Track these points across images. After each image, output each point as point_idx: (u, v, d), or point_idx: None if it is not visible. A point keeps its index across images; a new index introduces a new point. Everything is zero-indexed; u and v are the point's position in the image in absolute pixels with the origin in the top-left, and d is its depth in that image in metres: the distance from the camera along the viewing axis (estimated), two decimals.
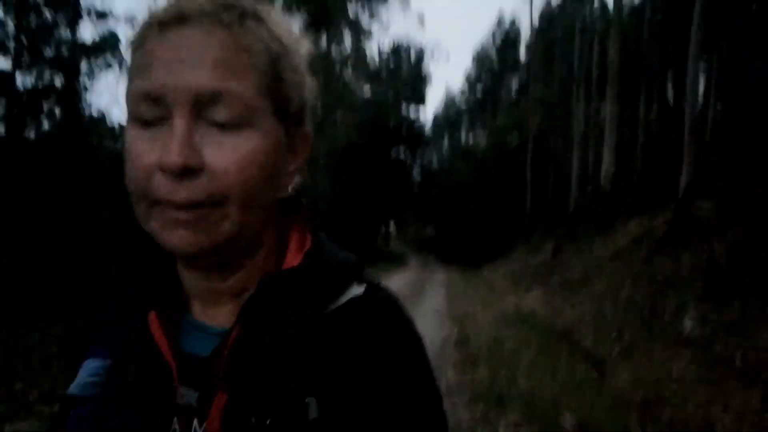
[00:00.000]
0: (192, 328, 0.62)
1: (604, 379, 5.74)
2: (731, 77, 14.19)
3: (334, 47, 23.45)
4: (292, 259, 0.61)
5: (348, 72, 25.87)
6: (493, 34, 46.62)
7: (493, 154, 32.24)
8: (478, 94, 48.09)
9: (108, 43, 15.71)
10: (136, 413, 0.57)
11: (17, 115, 13.95)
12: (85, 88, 15.55)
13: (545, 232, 20.18)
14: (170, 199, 0.52)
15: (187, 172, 0.51)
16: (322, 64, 21.64)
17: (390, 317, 0.62)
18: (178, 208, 0.52)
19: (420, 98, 39.69)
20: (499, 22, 47.42)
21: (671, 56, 18.35)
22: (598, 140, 19.03)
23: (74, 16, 14.50)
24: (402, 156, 38.19)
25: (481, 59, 48.35)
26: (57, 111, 15.61)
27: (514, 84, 43.80)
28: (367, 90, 29.96)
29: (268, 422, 0.54)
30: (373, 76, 29.05)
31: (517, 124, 31.48)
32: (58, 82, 15.14)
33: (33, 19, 13.18)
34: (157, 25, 0.54)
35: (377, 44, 39.04)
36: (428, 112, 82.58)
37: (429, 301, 12.73)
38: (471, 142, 48.82)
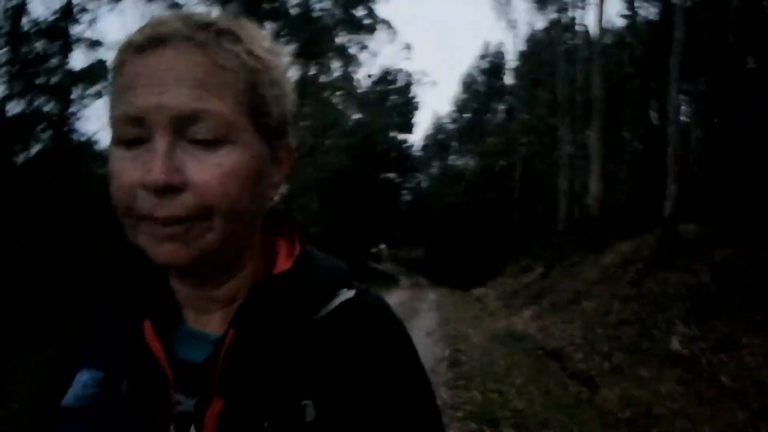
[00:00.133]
0: (187, 335, 0.62)
1: (594, 397, 5.86)
2: (712, 103, 14.61)
3: (323, 74, 23.76)
4: (283, 264, 0.63)
5: (337, 98, 26.18)
6: (480, 60, 47.46)
7: (482, 177, 32.55)
8: (466, 118, 48.70)
9: (97, 72, 15.89)
10: (132, 422, 0.58)
11: (5, 141, 14.01)
12: (75, 115, 15.68)
13: (535, 254, 20.37)
14: (154, 216, 0.53)
15: (169, 189, 0.52)
16: (312, 90, 21.92)
17: (382, 320, 0.64)
18: (164, 224, 0.53)
19: (408, 127, 40.15)
20: (487, 47, 48.27)
21: (654, 83, 18.82)
22: (585, 163, 19.39)
23: (66, 46, 14.67)
24: (392, 179, 38.45)
25: (468, 84, 49.07)
26: (45, 136, 15.72)
27: (501, 108, 44.46)
28: (356, 115, 30.27)
29: (265, 426, 0.54)
30: (362, 101, 29.42)
31: (506, 148, 31.89)
32: (49, 108, 15.26)
33: (25, 49, 13.34)
34: (135, 49, 0.55)
35: (366, 71, 39.56)
36: (417, 135, 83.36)
37: (421, 321, 12.79)
38: (460, 164, 49.30)
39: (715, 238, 7.73)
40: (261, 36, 0.60)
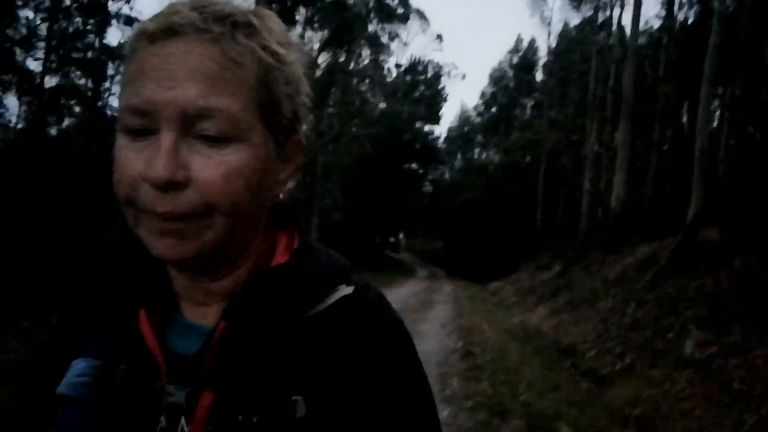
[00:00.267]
0: (182, 327, 0.62)
1: (603, 394, 5.93)
2: (745, 110, 14.38)
3: (352, 61, 23.82)
4: (279, 258, 0.62)
5: (365, 86, 26.24)
6: (511, 55, 47.07)
7: (506, 172, 32.44)
8: (493, 112, 48.39)
9: None
10: (125, 412, 0.58)
11: (40, 113, 14.41)
12: (109, 91, 16.05)
13: (554, 251, 20.32)
14: (155, 210, 0.52)
15: (171, 186, 0.51)
16: (340, 77, 22.02)
17: (380, 317, 0.62)
18: (165, 219, 0.53)
19: (434, 118, 40.04)
20: (518, 42, 47.82)
21: (687, 87, 18.54)
22: (611, 163, 19.23)
23: (103, 22, 14.99)
24: (414, 169, 38.51)
25: (497, 78, 48.72)
26: (78, 110, 16.13)
27: (529, 104, 44.12)
28: (383, 104, 30.31)
29: (255, 420, 0.54)
30: (390, 91, 29.43)
31: (531, 144, 31.71)
32: (83, 83, 15.64)
33: (64, 24, 13.69)
34: (147, 37, 0.54)
35: (395, 60, 39.49)
36: (443, 127, 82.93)
37: (436, 313, 12.90)
38: (484, 158, 49.07)
39: (736, 245, 7.69)
40: (280, 29, 0.59)
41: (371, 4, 24.16)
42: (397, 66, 34.43)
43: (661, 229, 11.39)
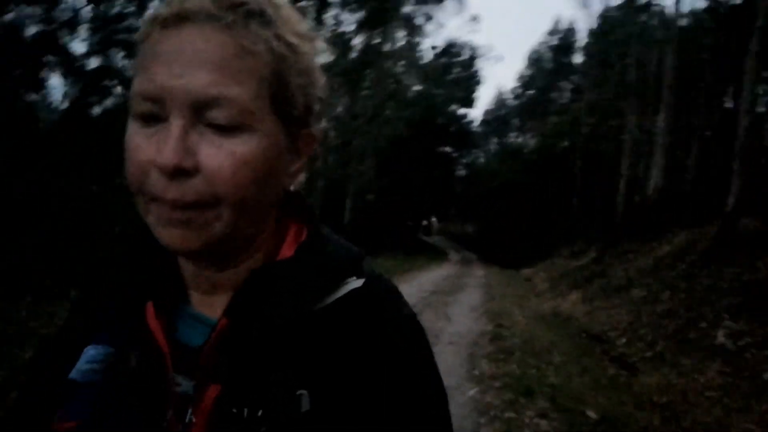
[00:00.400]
0: (189, 318, 0.62)
1: (632, 381, 5.96)
2: None
3: (387, 42, 23.76)
4: (286, 251, 0.61)
5: (400, 68, 26.16)
6: (550, 36, 46.11)
7: (542, 156, 32.01)
8: (530, 95, 47.64)
9: None
10: (133, 400, 0.58)
11: (83, 94, 14.88)
12: None
13: (589, 238, 20.10)
14: (163, 197, 0.52)
15: (179, 173, 0.51)
16: (375, 58, 22.00)
17: (389, 311, 0.61)
18: (172, 207, 0.52)
19: (469, 101, 39.65)
20: (557, 23, 46.78)
21: (732, 71, 17.94)
22: (650, 149, 18.83)
23: (143, 5, 15.31)
24: (448, 152, 38.34)
25: (535, 60, 47.86)
26: (120, 90, 16.59)
27: (568, 87, 43.24)
28: (417, 86, 30.18)
29: (260, 414, 0.54)
30: (425, 73, 29.27)
31: (569, 128, 31.17)
32: (125, 65, 16.05)
33: (107, 7, 14.04)
34: (160, 23, 0.54)
35: (431, 42, 39.17)
36: (478, 110, 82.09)
37: (467, 297, 12.99)
38: (519, 142, 48.48)
39: None
40: (295, 19, 0.58)
41: None
42: (433, 48, 34.18)
43: (700, 217, 11.18)
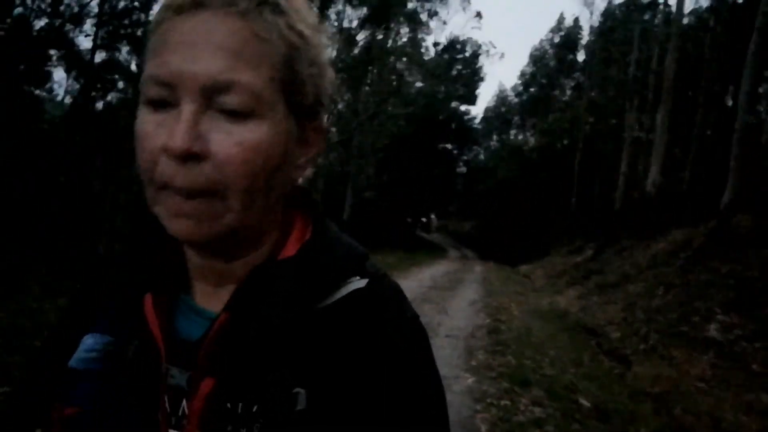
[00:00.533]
0: (190, 311, 0.62)
1: (625, 373, 6.11)
2: None
3: (390, 39, 23.83)
4: (291, 248, 0.61)
5: (402, 64, 26.22)
6: (553, 34, 46.16)
7: (542, 154, 32.16)
8: (532, 93, 47.69)
9: None
10: (130, 389, 0.58)
11: (88, 87, 15.01)
12: None
13: (588, 235, 20.26)
14: (172, 183, 0.52)
15: (190, 157, 0.51)
16: (378, 55, 22.08)
17: (390, 312, 0.61)
18: (182, 196, 0.52)
19: (471, 98, 39.70)
20: (560, 21, 46.82)
21: (732, 69, 18.04)
22: (649, 147, 18.95)
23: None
24: (449, 149, 38.45)
25: (537, 58, 47.89)
26: (122, 85, 16.72)
27: (570, 85, 43.31)
28: (419, 83, 30.25)
29: (254, 410, 0.54)
30: (427, 70, 29.34)
31: (570, 126, 31.29)
32: (129, 59, 16.18)
33: (113, 2, 14.17)
34: (174, 9, 0.54)
35: (433, 39, 39.24)
36: (479, 107, 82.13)
37: (466, 292, 13.12)
38: (520, 140, 48.57)
39: None
40: (306, 11, 0.59)
41: None
42: (435, 44, 34.24)
43: (696, 215, 11.32)
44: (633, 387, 5.62)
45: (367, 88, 23.64)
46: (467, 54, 39.44)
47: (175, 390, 0.57)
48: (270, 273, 0.58)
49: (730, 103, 21.24)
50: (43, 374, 0.64)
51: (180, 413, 0.56)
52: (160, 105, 0.53)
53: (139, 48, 15.17)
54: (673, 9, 18.60)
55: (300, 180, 0.63)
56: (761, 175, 10.43)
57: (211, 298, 0.61)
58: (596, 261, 15.01)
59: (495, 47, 70.56)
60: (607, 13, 33.38)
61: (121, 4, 14.38)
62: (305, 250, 0.60)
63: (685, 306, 7.38)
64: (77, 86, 16.17)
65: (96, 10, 13.74)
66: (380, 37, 22.77)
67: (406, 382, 0.57)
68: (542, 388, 5.15)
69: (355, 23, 21.55)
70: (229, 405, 0.54)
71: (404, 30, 25.25)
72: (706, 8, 22.41)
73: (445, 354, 6.31)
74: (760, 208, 8.39)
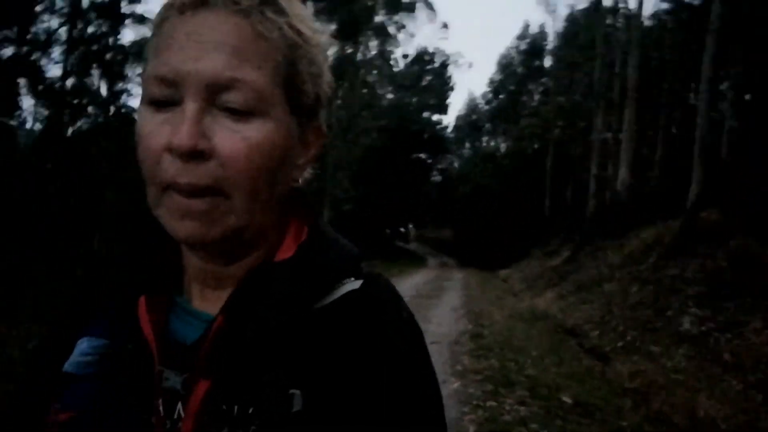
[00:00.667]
0: (186, 313, 0.62)
1: (605, 369, 6.30)
2: (747, 91, 14.54)
3: (360, 53, 24.06)
4: (286, 250, 0.61)
5: (373, 77, 26.48)
6: (519, 41, 46.98)
7: (514, 160, 32.64)
8: (501, 100, 48.39)
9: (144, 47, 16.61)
10: (125, 392, 0.58)
11: (57, 114, 14.88)
12: (127, 91, 16.47)
13: (563, 238, 20.61)
14: (176, 182, 0.52)
15: (195, 155, 0.51)
16: (348, 68, 22.28)
17: (386, 313, 0.60)
18: (186, 196, 0.52)
19: (442, 107, 40.19)
20: (525, 29, 47.71)
21: (693, 69, 18.67)
22: (617, 149, 19.43)
23: (116, 22, 15.37)
24: (423, 159, 38.78)
25: (505, 65, 48.64)
26: (91, 110, 16.58)
27: (538, 90, 44.08)
28: (390, 95, 30.55)
29: (250, 411, 0.54)
30: (398, 81, 29.66)
31: (539, 131, 31.85)
32: (99, 84, 16.09)
33: (81, 28, 14.10)
34: (177, 8, 0.54)
35: (402, 51, 39.68)
36: (451, 116, 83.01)
37: (447, 299, 13.28)
38: (492, 146, 49.16)
39: (735, 226, 7.99)
40: (305, 13, 0.59)
41: None
42: (405, 56, 34.66)
43: (666, 213, 11.65)
44: (613, 383, 5.81)
45: (338, 101, 23.80)
46: (436, 64, 39.98)
47: (170, 393, 0.56)
48: (267, 275, 0.58)
49: (693, 101, 21.90)
50: (38, 379, 0.64)
51: (175, 416, 0.56)
52: (162, 104, 0.53)
53: (109, 72, 15.11)
54: (635, 12, 19.19)
55: (299, 181, 0.64)
56: (725, 170, 10.82)
57: (208, 301, 0.61)
58: (572, 262, 15.31)
59: (463, 56, 71.54)
60: (571, 19, 34.21)
61: (90, 30, 14.31)
62: (302, 250, 0.60)
63: (659, 302, 7.63)
64: (46, 113, 16.00)
65: (65, 36, 13.66)
66: (350, 51, 22.99)
67: (403, 381, 0.56)
68: (526, 388, 5.31)
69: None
70: (224, 407, 0.54)
71: (373, 43, 25.54)
72: (665, 10, 23.13)
73: (432, 360, 6.42)
74: (726, 202, 8.71)
